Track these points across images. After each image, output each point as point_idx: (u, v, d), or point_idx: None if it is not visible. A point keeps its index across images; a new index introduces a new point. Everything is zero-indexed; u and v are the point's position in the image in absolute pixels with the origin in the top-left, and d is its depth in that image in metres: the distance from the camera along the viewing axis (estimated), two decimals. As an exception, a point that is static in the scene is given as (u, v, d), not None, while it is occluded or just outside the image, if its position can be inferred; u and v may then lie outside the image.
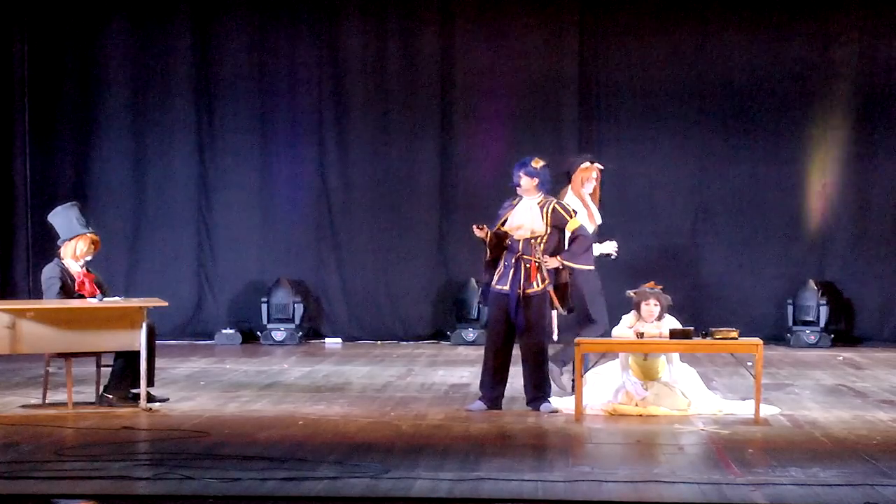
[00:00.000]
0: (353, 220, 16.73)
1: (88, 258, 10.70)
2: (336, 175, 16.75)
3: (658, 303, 10.39)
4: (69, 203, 10.98)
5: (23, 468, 7.94)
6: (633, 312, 10.47)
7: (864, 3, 16.26)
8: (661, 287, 10.50)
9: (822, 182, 16.21)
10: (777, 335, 15.88)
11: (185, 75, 16.74)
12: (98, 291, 10.59)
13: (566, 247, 10.50)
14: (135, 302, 10.52)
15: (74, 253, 10.65)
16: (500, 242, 10.46)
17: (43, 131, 16.72)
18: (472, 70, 16.62)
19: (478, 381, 10.66)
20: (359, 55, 16.71)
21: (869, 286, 16.21)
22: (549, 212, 10.43)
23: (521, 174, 10.47)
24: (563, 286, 10.48)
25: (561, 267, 10.43)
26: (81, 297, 10.55)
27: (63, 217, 10.76)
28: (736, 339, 10.11)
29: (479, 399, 10.51)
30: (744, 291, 16.20)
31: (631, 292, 10.52)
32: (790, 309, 15.90)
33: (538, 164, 10.50)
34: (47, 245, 15.52)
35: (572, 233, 10.51)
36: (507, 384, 10.60)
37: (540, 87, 16.53)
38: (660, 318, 10.39)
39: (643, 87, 16.41)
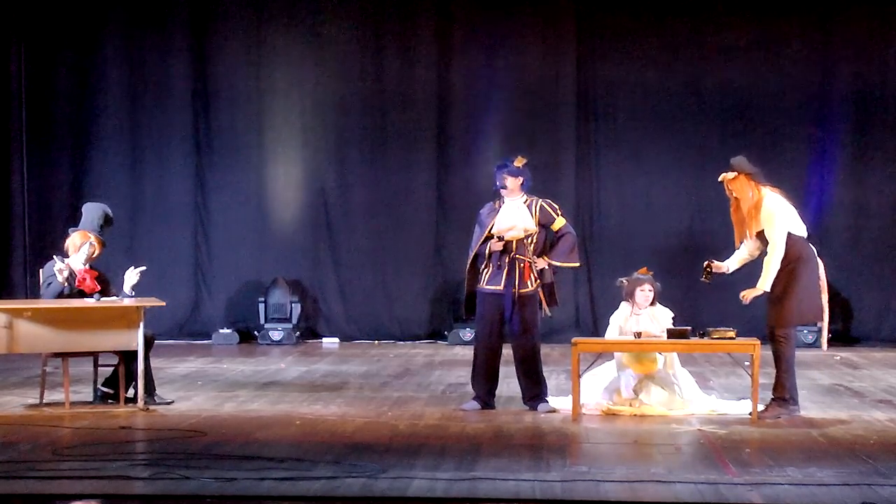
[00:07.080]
0: (351, 220, 16.73)
1: (85, 254, 10.67)
2: (333, 175, 16.76)
3: (652, 288, 10.42)
4: (102, 204, 11.01)
5: (20, 468, 7.93)
6: (624, 303, 10.48)
7: (863, 5, 16.26)
8: (651, 273, 10.52)
9: (818, 181, 16.22)
10: (774, 335, 15.85)
11: (182, 77, 16.74)
12: (98, 288, 10.58)
13: (550, 246, 10.48)
14: (131, 301, 10.50)
15: (74, 243, 10.67)
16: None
17: (40, 134, 16.71)
18: (470, 73, 16.62)
19: (475, 381, 10.67)
20: (356, 58, 16.70)
21: (866, 286, 16.21)
22: (538, 210, 10.42)
23: (504, 175, 10.40)
24: (549, 285, 10.48)
25: (547, 267, 10.43)
26: (82, 292, 10.55)
27: (88, 211, 10.80)
28: (733, 338, 10.13)
29: (473, 399, 10.52)
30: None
31: (623, 280, 10.53)
32: (787, 309, 15.87)
33: (520, 162, 10.44)
34: (45, 246, 15.57)
35: (558, 231, 10.49)
36: (503, 384, 10.63)
37: (537, 90, 16.54)
38: (653, 303, 10.41)
39: (640, 90, 16.41)
